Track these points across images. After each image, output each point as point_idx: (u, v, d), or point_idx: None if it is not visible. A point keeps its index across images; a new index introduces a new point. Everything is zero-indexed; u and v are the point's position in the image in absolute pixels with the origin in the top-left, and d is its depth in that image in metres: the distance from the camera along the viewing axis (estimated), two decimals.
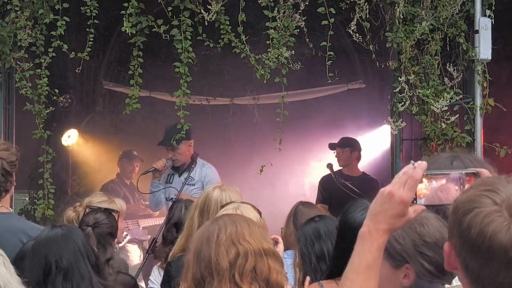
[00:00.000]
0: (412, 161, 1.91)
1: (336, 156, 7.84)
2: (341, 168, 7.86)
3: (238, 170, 9.16)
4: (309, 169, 9.26)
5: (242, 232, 2.50)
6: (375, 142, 8.78)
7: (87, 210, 4.07)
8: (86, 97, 9.18)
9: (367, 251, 1.91)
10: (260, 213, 3.42)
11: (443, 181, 1.96)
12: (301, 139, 8.78)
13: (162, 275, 4.45)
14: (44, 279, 2.95)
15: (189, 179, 6.86)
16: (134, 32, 6.59)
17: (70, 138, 8.87)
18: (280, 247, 3.28)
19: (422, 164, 1.89)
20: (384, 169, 8.80)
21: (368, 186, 7.42)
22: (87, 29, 6.69)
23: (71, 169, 8.93)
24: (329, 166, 7.74)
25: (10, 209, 3.92)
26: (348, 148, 7.80)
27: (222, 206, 3.43)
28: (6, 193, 3.77)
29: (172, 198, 6.64)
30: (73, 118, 8.96)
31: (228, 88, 9.35)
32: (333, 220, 3.92)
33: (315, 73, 8.07)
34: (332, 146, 7.95)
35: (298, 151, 8.63)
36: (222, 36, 6.69)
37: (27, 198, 8.39)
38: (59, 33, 6.57)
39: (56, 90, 6.80)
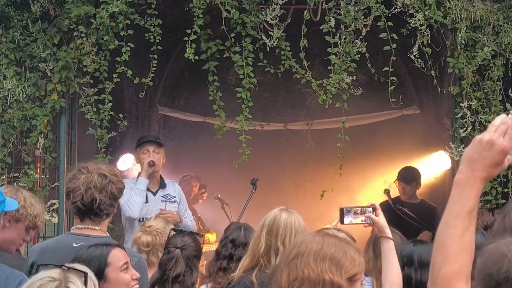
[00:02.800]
0: (511, 111, 1.95)
1: (401, 191, 7.76)
2: (398, 195, 7.81)
3: (291, 195, 9.16)
4: (364, 195, 9.21)
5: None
6: (430, 168, 8.71)
7: (171, 233, 4.10)
8: (141, 122, 9.28)
9: (466, 198, 1.96)
10: (354, 240, 3.42)
11: None
12: (356, 164, 8.75)
13: None
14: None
15: (168, 196, 6.43)
16: (195, 58, 6.67)
17: (126, 162, 8.94)
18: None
19: None
20: (439, 195, 8.73)
21: (427, 213, 7.36)
22: (150, 55, 6.80)
23: None
24: (386, 192, 7.69)
25: (107, 233, 3.96)
26: (415, 183, 7.76)
27: (318, 231, 3.42)
28: (107, 217, 3.81)
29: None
30: (129, 142, 9.05)
31: (281, 113, 9.39)
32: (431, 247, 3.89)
33: (368, 98, 8.07)
34: (401, 179, 7.80)
35: (353, 176, 8.60)
36: (282, 62, 6.75)
37: None
38: (123, 59, 6.67)
39: (121, 115, 6.90)
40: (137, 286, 3.42)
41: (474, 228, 1.97)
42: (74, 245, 3.71)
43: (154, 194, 6.39)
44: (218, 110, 6.81)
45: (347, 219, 3.67)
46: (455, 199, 1.97)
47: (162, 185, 6.43)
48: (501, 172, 2.00)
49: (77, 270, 2.53)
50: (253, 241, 3.95)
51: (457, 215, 1.95)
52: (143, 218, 6.14)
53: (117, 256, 3.40)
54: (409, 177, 7.78)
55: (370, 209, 3.62)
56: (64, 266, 2.56)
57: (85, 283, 2.51)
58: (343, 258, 2.40)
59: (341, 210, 3.73)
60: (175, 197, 6.43)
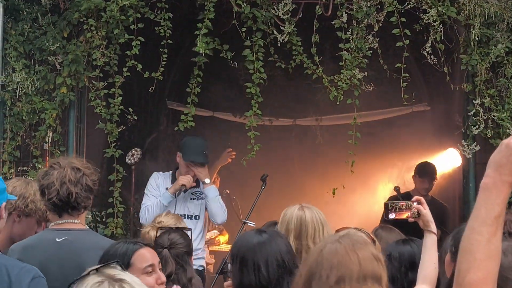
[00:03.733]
0: None
1: (420, 186, 7.72)
2: (409, 191, 7.76)
3: (300, 191, 9.10)
4: (374, 192, 9.16)
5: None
6: (440, 166, 8.64)
7: (158, 232, 4.02)
8: (150, 116, 9.24)
9: (493, 203, 1.92)
10: (374, 241, 3.37)
11: None
12: (365, 161, 8.69)
13: None
14: None
15: (198, 193, 6.53)
16: (206, 53, 6.62)
17: (134, 157, 8.90)
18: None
19: None
20: (449, 192, 8.68)
21: (437, 211, 7.29)
22: (161, 49, 6.75)
23: (134, 188, 8.96)
24: (396, 189, 7.65)
25: (86, 226, 3.92)
26: (436, 179, 7.75)
27: (337, 230, 3.38)
28: (85, 210, 3.79)
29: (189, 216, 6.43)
30: (137, 136, 9.02)
31: (290, 109, 9.33)
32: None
33: (378, 95, 8.01)
34: (424, 174, 7.77)
35: (363, 173, 8.53)
36: (294, 57, 6.69)
37: (89, 216, 8.44)
38: (133, 53, 6.63)
39: (131, 109, 6.86)
40: None
41: (501, 234, 1.93)
42: (57, 239, 3.69)
43: (185, 191, 6.44)
44: (190, 104, 6.74)
45: (391, 215, 3.64)
46: (482, 203, 1.93)
47: (196, 182, 6.47)
48: None
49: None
50: None
51: (483, 220, 1.91)
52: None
53: (142, 257, 3.30)
54: (432, 172, 7.78)
55: (416, 203, 3.60)
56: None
57: None
58: (379, 268, 2.30)
59: (386, 205, 3.72)
60: (203, 193, 6.47)
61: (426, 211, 3.58)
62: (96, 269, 2.06)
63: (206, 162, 6.48)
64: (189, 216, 6.47)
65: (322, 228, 3.77)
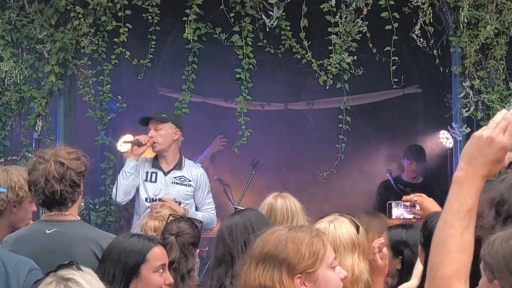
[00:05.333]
0: (507, 107, 1.92)
1: (408, 169, 7.73)
2: (400, 175, 7.78)
3: (292, 176, 9.11)
4: (365, 175, 9.17)
5: None
6: (432, 147, 8.66)
7: (170, 219, 4.04)
8: (141, 103, 9.19)
9: (466, 196, 1.91)
10: (358, 227, 3.36)
11: None
12: (356, 145, 8.69)
13: None
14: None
15: (182, 179, 6.13)
16: (194, 39, 6.59)
17: (126, 144, 8.87)
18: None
19: None
20: (440, 175, 8.69)
21: (429, 194, 7.31)
22: (149, 36, 6.71)
23: None
24: (388, 172, 7.67)
25: (78, 217, 3.92)
26: (425, 161, 7.75)
27: (321, 218, 3.38)
28: (73, 203, 3.76)
29: (158, 199, 6.00)
30: (128, 123, 8.97)
31: (282, 93, 9.30)
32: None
33: (369, 78, 7.99)
34: (412, 156, 7.77)
35: (354, 157, 8.54)
36: (283, 42, 6.66)
37: (82, 204, 8.43)
38: (121, 40, 6.59)
39: (119, 97, 6.83)
40: None
41: (474, 227, 1.92)
42: (47, 231, 3.68)
43: (166, 174, 6.12)
44: (186, 91, 6.69)
45: (395, 213, 3.62)
46: (454, 196, 1.92)
47: (177, 166, 6.13)
48: (501, 169, 1.96)
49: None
50: None
51: (456, 213, 1.90)
52: (151, 199, 6.04)
53: (156, 255, 3.29)
54: (421, 154, 7.79)
55: (416, 198, 3.58)
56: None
57: None
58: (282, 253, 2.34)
59: (389, 204, 3.68)
60: (190, 180, 6.11)
61: (429, 204, 3.53)
62: (55, 271, 2.15)
63: (155, 116, 6.17)
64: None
65: (292, 217, 3.78)
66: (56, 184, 3.60)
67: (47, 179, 3.60)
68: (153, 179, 6.11)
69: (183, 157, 6.24)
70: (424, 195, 3.65)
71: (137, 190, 6.09)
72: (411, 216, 3.62)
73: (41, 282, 2.13)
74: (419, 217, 3.60)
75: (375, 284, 3.55)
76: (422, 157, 7.78)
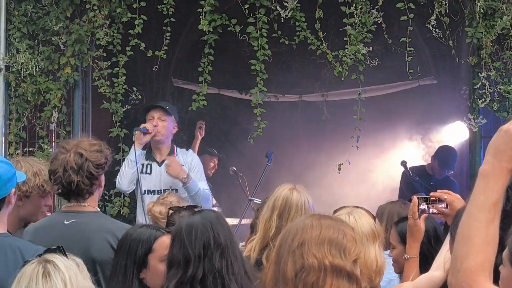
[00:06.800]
0: None
1: (437, 171, 7.75)
2: (424, 165, 7.80)
3: (307, 167, 9.10)
4: (381, 166, 9.15)
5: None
6: (447, 139, 8.62)
7: (169, 212, 4.03)
8: (155, 95, 9.22)
9: (492, 189, 1.89)
10: (374, 218, 3.36)
11: None
12: (372, 136, 8.67)
13: None
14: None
15: None
16: (209, 30, 6.59)
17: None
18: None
19: None
20: (456, 166, 8.65)
21: (447, 188, 7.30)
22: (164, 27, 6.72)
23: None
24: (403, 164, 7.64)
25: (97, 208, 3.92)
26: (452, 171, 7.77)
27: (335, 211, 3.37)
28: (90, 195, 3.74)
29: (155, 191, 6.01)
30: (143, 115, 8.99)
31: (296, 85, 9.30)
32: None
33: (384, 69, 7.96)
34: (443, 164, 7.78)
35: (369, 148, 8.51)
36: (297, 33, 6.65)
37: None
38: (136, 32, 6.61)
39: (134, 89, 6.85)
40: None
41: (499, 221, 1.90)
42: (65, 222, 3.69)
43: (160, 164, 6.10)
44: (203, 83, 6.67)
45: (421, 209, 3.59)
46: (480, 190, 1.90)
47: (170, 154, 6.09)
48: None
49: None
50: (264, 223, 3.86)
51: (481, 207, 1.89)
52: (147, 191, 6.03)
53: (163, 244, 3.29)
54: (452, 164, 7.75)
55: (446, 196, 3.55)
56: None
57: None
58: (344, 239, 2.37)
59: (417, 199, 3.64)
60: (183, 165, 6.04)
61: (458, 204, 3.48)
62: (40, 255, 2.41)
63: (163, 106, 6.22)
64: (166, 190, 5.96)
65: (305, 214, 3.76)
66: (73, 174, 3.61)
67: (65, 169, 3.61)
68: (148, 170, 6.13)
69: (175, 146, 6.27)
70: (452, 193, 3.60)
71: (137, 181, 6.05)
72: (435, 211, 3.59)
73: (28, 263, 2.39)
74: (443, 214, 3.56)
75: (412, 249, 3.59)
76: (451, 168, 7.74)
